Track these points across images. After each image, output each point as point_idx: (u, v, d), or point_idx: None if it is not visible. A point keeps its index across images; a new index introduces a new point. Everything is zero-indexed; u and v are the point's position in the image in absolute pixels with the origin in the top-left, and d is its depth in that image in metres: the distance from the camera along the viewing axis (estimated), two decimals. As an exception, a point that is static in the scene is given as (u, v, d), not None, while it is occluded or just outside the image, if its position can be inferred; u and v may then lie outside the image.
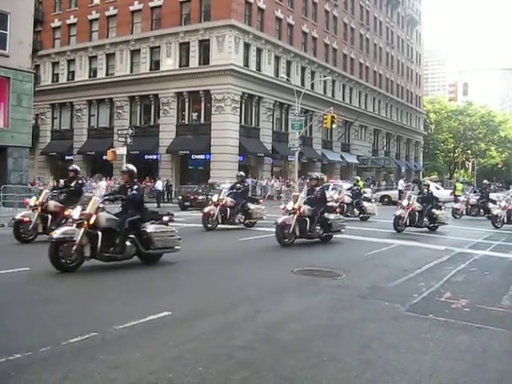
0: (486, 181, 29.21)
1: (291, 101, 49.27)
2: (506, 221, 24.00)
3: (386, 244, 16.67)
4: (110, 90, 51.85)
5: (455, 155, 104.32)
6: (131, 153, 41.01)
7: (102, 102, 54.36)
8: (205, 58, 47.38)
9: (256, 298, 8.85)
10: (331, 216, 17.06)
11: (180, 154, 48.16)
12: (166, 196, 41.67)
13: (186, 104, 48.89)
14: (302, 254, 14.60)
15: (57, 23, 57.26)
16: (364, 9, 70.78)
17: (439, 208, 21.85)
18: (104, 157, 42.64)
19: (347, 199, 26.44)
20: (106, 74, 53.79)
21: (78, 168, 18.28)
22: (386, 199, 41.15)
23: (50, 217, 15.91)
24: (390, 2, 79.02)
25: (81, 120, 55.40)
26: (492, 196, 29.54)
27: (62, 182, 19.25)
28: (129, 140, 35.33)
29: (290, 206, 16.05)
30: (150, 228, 11.86)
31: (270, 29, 51.38)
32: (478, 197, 29.28)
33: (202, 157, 47.32)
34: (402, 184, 41.90)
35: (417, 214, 20.79)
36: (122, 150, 35.36)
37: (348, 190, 28.76)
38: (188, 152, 47.48)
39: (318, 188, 17.17)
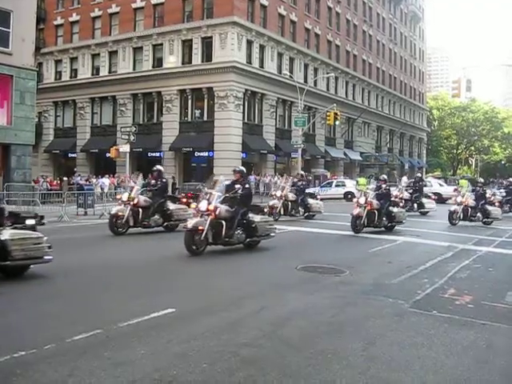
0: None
1: (294, 98, 49.17)
2: (461, 217, 22.75)
3: (390, 240, 16.67)
4: (113, 87, 51.86)
5: (458, 152, 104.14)
6: (134, 150, 41.04)
7: (104, 100, 54.35)
8: (207, 55, 47.31)
9: (260, 295, 8.87)
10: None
11: (183, 151, 48.15)
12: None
13: (189, 101, 48.85)
14: (305, 251, 14.60)
15: (59, 21, 57.20)
16: (367, 5, 70.61)
17: (396, 205, 20.80)
18: (107, 154, 42.63)
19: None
20: (109, 72, 53.75)
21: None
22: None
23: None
24: (393, -2, 78.96)
25: (84, 118, 55.39)
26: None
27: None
28: (132, 137, 35.27)
29: (203, 205, 13.51)
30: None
31: (273, 25, 51.31)
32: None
33: (205, 154, 47.25)
34: (404, 181, 41.71)
35: (375, 212, 19.16)
36: (125, 148, 35.32)
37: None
38: (191, 149, 47.46)
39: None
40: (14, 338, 6.30)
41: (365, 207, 18.67)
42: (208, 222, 13.14)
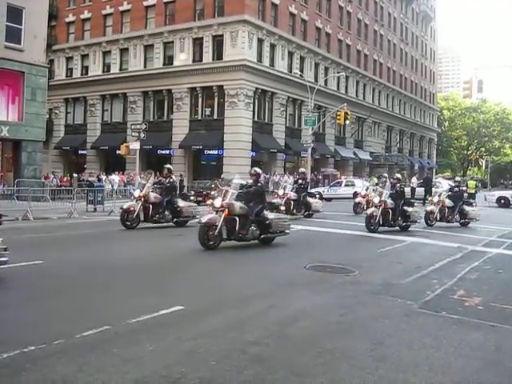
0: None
1: (304, 97, 49.14)
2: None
3: (399, 241, 16.63)
4: (124, 84, 51.97)
5: (469, 152, 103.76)
6: (144, 148, 41.09)
7: (115, 97, 54.49)
8: (218, 54, 47.37)
9: (268, 294, 8.86)
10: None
11: (193, 149, 48.20)
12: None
13: (200, 99, 48.90)
14: (314, 250, 14.59)
15: (71, 18, 57.41)
16: (378, 4, 70.46)
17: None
18: (117, 151, 42.68)
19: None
20: (120, 69, 53.89)
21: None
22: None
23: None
24: (405, -3, 78.75)
25: (94, 115, 55.57)
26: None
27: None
28: (142, 135, 35.31)
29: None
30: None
31: (284, 24, 51.27)
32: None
33: (215, 152, 47.30)
34: (414, 181, 41.53)
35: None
36: (135, 145, 35.36)
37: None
38: (201, 147, 47.50)
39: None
40: (24, 333, 6.33)
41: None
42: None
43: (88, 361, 5.45)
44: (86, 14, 56.28)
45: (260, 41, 48.00)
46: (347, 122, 47.32)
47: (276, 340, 6.43)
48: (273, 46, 49.93)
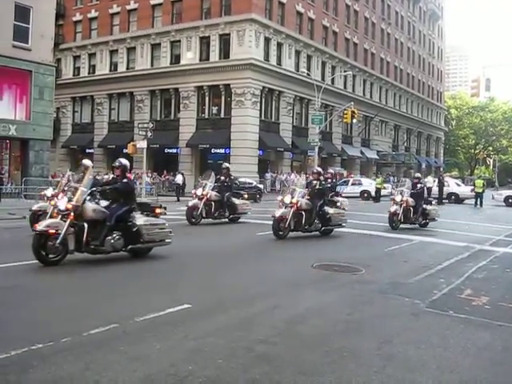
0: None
1: (311, 95, 49.08)
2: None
3: (406, 240, 16.60)
4: (131, 83, 52.03)
5: (476, 151, 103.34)
6: (151, 146, 41.15)
7: (122, 96, 54.58)
8: (225, 52, 47.37)
9: (275, 292, 8.86)
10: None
11: (200, 147, 48.21)
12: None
13: (206, 98, 48.91)
14: (321, 249, 14.60)
15: (78, 17, 57.54)
16: (385, 3, 70.29)
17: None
18: (124, 150, 42.77)
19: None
20: (127, 68, 53.98)
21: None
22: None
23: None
24: (412, -4, 78.56)
25: (101, 113, 55.69)
26: None
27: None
28: (149, 134, 35.40)
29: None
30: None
31: (291, 23, 51.23)
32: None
33: (222, 151, 47.27)
34: (430, 181, 40.56)
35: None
36: (142, 144, 35.45)
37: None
38: (208, 146, 47.51)
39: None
40: (32, 331, 6.35)
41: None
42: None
43: (95, 359, 5.46)
44: (93, 13, 56.41)
45: (267, 39, 47.98)
46: (354, 120, 47.23)
47: (283, 339, 6.43)
48: (280, 45, 49.90)
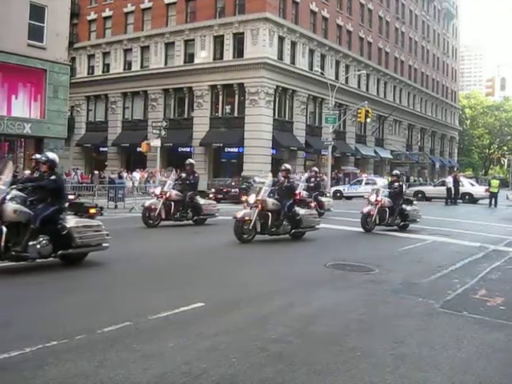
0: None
1: (325, 94, 48.98)
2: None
3: (420, 240, 16.53)
4: (145, 82, 52.19)
5: (491, 151, 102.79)
6: (165, 145, 41.25)
7: (136, 95, 54.75)
8: (239, 51, 47.38)
9: (289, 291, 8.86)
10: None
11: (213, 146, 48.29)
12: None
13: (220, 97, 48.97)
14: (334, 249, 14.57)
15: (92, 16, 57.80)
16: (400, 2, 70.00)
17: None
18: (138, 149, 43.00)
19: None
20: (141, 67, 54.14)
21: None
22: (419, 194, 40.69)
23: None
24: (427, -5, 78.22)
25: (115, 112, 55.89)
26: None
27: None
28: (163, 132, 35.46)
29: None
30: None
31: (305, 22, 51.16)
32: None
33: (235, 150, 47.34)
34: (450, 181, 39.51)
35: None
36: (156, 143, 35.54)
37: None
38: (221, 145, 47.59)
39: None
40: (46, 328, 6.40)
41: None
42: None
43: (109, 356, 5.49)
44: (107, 12, 56.64)
45: (281, 38, 47.93)
46: (368, 120, 47.14)
47: (296, 338, 6.43)
48: (294, 44, 49.84)
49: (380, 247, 15.32)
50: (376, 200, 18.41)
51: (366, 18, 62.04)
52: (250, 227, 14.54)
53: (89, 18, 57.95)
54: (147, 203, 18.45)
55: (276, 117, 47.80)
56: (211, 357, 5.61)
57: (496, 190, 36.05)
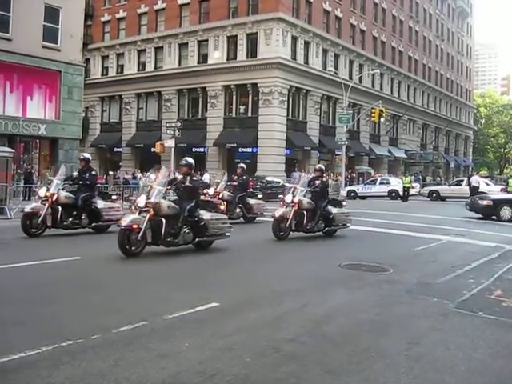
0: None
1: (339, 94, 48.94)
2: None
3: (435, 239, 16.42)
4: (159, 83, 52.38)
5: (506, 150, 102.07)
6: (179, 145, 41.32)
7: (150, 95, 54.96)
8: (252, 52, 47.42)
9: (303, 291, 8.85)
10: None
11: (227, 146, 48.36)
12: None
13: (234, 97, 49.05)
14: (348, 249, 14.54)
15: (106, 17, 58.12)
16: (414, 1, 69.76)
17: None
18: (152, 149, 43.13)
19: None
20: (155, 68, 54.35)
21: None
22: (434, 194, 40.53)
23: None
24: (441, -7, 77.84)
25: (129, 113, 56.13)
26: None
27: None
28: (177, 133, 35.58)
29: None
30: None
31: (318, 22, 51.11)
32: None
33: (249, 150, 47.36)
34: (476, 180, 38.35)
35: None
36: (170, 143, 35.66)
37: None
38: (235, 145, 47.64)
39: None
40: (62, 328, 6.43)
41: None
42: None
43: (124, 356, 5.52)
44: (121, 14, 56.92)
45: (294, 38, 47.91)
46: (382, 119, 47.08)
47: (310, 338, 6.42)
48: (307, 44, 49.81)
49: (394, 247, 15.24)
50: (292, 201, 15.43)
51: (380, 17, 61.87)
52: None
53: (103, 19, 58.28)
54: (27, 208, 14.73)
55: (290, 117, 47.79)
56: (225, 356, 5.62)
57: (512, 189, 35.66)
